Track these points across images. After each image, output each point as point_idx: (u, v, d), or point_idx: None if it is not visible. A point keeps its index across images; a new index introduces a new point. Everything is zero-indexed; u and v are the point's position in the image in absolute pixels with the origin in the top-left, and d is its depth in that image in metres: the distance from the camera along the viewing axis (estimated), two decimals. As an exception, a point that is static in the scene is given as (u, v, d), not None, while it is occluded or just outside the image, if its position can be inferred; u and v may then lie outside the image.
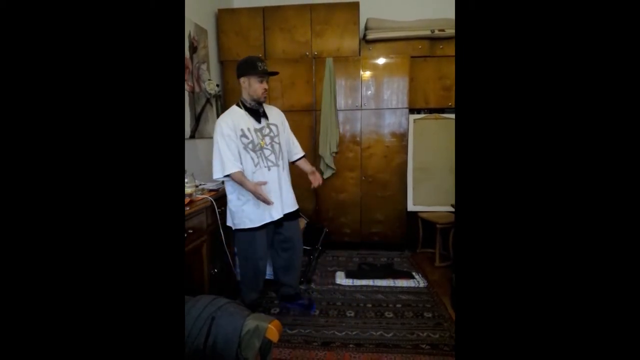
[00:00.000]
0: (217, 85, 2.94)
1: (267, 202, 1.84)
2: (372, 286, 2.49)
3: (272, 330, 1.10)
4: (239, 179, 1.82)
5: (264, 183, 1.86)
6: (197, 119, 2.68)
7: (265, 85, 1.84)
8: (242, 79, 1.85)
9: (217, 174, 1.84)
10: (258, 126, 1.88)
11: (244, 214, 1.90)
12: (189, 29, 2.57)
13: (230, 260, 2.23)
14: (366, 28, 3.15)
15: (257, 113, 1.89)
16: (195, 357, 1.09)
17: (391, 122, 3.07)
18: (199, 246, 1.84)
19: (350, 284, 2.53)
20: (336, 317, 2.10)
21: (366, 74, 3.04)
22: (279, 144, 1.94)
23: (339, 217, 3.19)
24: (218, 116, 3.02)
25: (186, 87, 2.53)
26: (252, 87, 1.84)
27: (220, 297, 1.27)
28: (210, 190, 2.06)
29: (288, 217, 1.99)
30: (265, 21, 3.05)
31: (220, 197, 2.06)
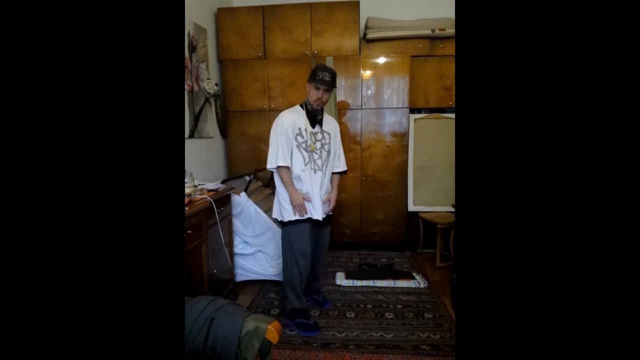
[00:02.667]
0: (216, 85, 2.94)
1: (302, 211, 1.91)
2: (373, 287, 2.48)
3: (272, 331, 1.10)
4: (285, 177, 1.90)
5: (309, 199, 1.93)
6: (196, 119, 2.67)
7: (319, 95, 1.87)
8: (307, 84, 1.93)
9: (271, 164, 1.91)
10: (313, 130, 1.95)
11: (289, 207, 1.94)
12: (188, 28, 2.56)
13: (230, 261, 2.23)
14: (366, 27, 3.15)
15: (314, 118, 1.96)
16: (194, 358, 1.08)
17: (391, 121, 3.07)
18: (198, 246, 1.83)
19: (351, 284, 2.52)
20: (336, 317, 2.09)
21: (366, 73, 3.03)
22: (328, 152, 2.00)
23: (339, 217, 3.18)
24: (217, 116, 3.03)
25: (185, 86, 2.52)
26: (310, 93, 1.91)
27: (220, 297, 1.26)
28: (210, 190, 2.05)
29: (324, 222, 2.03)
30: (265, 20, 3.04)
31: (220, 198, 2.05)
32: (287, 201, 1.94)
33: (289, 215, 1.94)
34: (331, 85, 1.88)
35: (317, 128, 1.97)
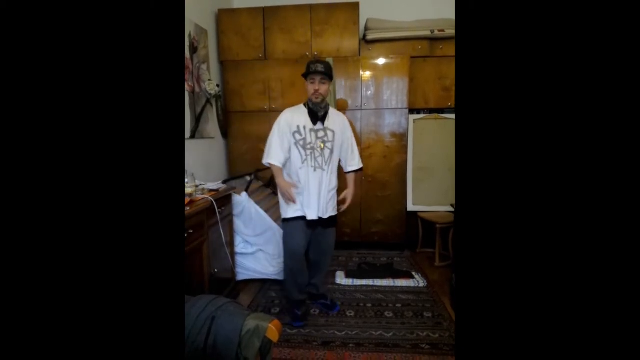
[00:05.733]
0: (218, 86, 2.94)
1: (291, 200, 1.93)
2: (372, 286, 2.49)
3: (272, 329, 1.10)
4: (275, 172, 1.95)
5: (296, 187, 1.95)
6: (197, 119, 2.68)
7: (315, 86, 1.88)
8: (305, 82, 1.96)
9: (264, 159, 1.98)
10: (314, 127, 1.94)
11: (286, 205, 1.99)
12: (189, 29, 2.57)
13: (230, 260, 2.23)
14: (366, 28, 3.16)
15: (315, 115, 1.94)
16: (195, 357, 1.09)
17: (391, 122, 3.08)
18: (199, 246, 1.84)
19: (350, 283, 2.53)
20: (336, 316, 2.10)
21: (366, 74, 3.04)
22: (331, 150, 1.97)
23: (339, 217, 3.17)
24: (218, 116, 3.03)
25: (186, 87, 2.53)
26: (307, 88, 1.93)
27: (221, 296, 1.27)
28: (211, 190, 2.06)
29: (323, 223, 2.02)
30: (265, 21, 3.05)
31: (221, 197, 2.06)
32: (281, 198, 2.00)
33: (285, 213, 2.00)
34: (324, 73, 1.87)
35: (319, 125, 1.94)
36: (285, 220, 2.01)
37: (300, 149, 1.92)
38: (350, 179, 2.11)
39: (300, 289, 2.09)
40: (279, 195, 2.04)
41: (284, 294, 2.14)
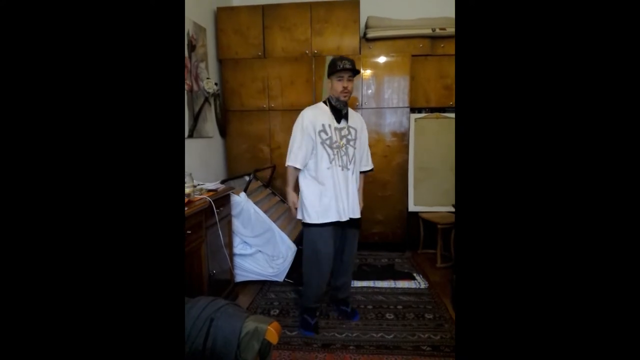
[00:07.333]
0: (216, 84, 2.92)
1: (292, 212, 1.96)
2: (373, 287, 2.47)
3: (272, 332, 1.09)
4: (289, 176, 1.90)
5: (295, 207, 1.94)
6: (195, 118, 2.66)
7: (344, 84, 1.81)
8: (329, 80, 1.90)
9: (287, 161, 1.89)
10: (338, 125, 1.87)
11: (314, 209, 1.87)
12: (187, 27, 2.55)
13: (229, 261, 2.21)
14: (366, 26, 3.14)
15: (339, 113, 1.88)
16: (194, 359, 1.07)
17: (392, 121, 3.06)
18: (198, 247, 1.82)
19: (351, 285, 2.51)
20: (336, 318, 2.08)
21: (366, 73, 3.02)
22: (355, 148, 1.91)
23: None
24: (216, 115, 3.02)
25: (184, 86, 2.51)
26: (333, 86, 1.86)
27: (219, 298, 1.26)
28: (209, 190, 2.04)
29: (351, 223, 1.94)
30: (265, 19, 3.03)
31: (219, 198, 2.04)
32: (310, 203, 1.88)
33: (309, 217, 1.88)
34: (352, 69, 1.80)
35: (342, 123, 1.88)
36: (312, 225, 1.88)
37: (328, 149, 1.84)
38: (361, 182, 2.05)
39: (318, 297, 1.98)
40: (300, 198, 1.94)
41: (302, 299, 2.04)
